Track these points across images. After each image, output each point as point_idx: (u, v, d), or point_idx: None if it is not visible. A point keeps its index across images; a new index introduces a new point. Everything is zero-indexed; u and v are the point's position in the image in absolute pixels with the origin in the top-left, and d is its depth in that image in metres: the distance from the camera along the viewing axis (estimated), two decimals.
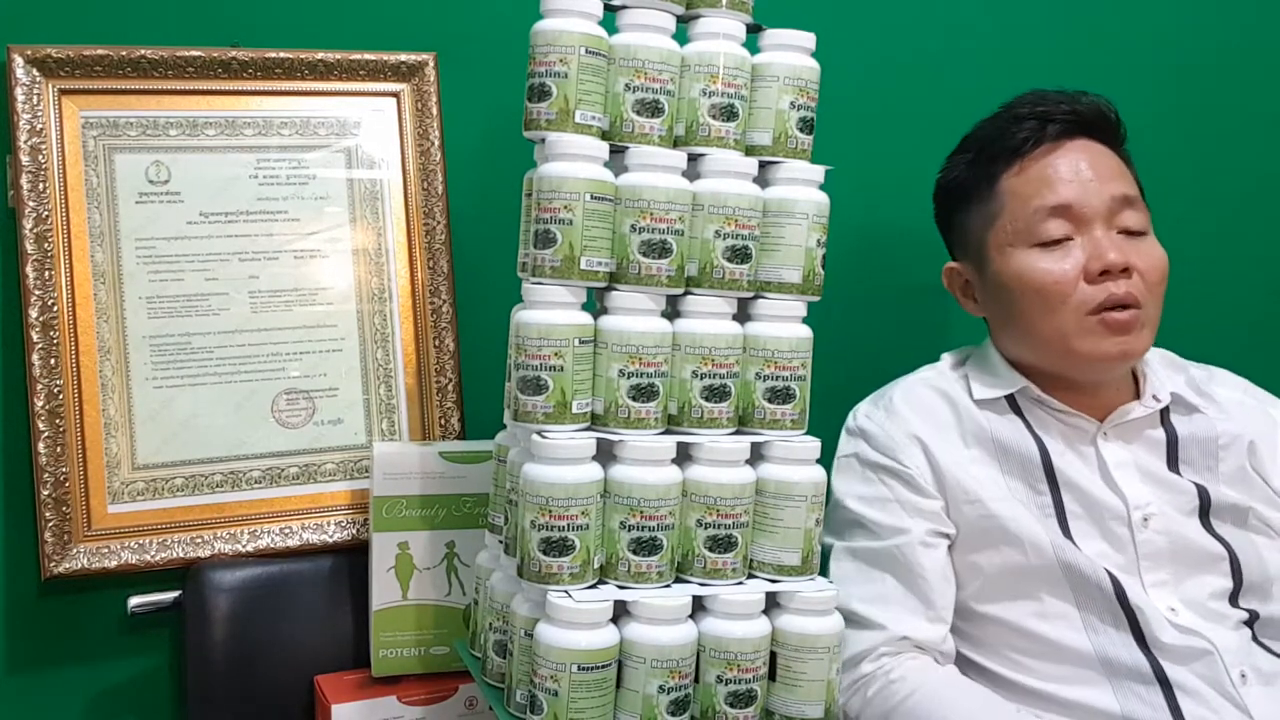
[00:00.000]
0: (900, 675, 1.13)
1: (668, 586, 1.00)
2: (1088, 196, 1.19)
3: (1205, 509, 1.21)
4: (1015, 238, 1.21)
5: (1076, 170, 1.20)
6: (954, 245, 1.32)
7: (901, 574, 1.17)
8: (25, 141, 1.22)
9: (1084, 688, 1.13)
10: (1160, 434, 1.24)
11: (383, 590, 1.23)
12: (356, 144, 1.35)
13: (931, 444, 1.21)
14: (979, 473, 1.20)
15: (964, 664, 1.19)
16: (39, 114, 1.23)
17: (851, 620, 1.16)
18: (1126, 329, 1.18)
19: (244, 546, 1.27)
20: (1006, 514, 1.17)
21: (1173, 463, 1.23)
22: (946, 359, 1.32)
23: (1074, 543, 1.17)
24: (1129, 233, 1.20)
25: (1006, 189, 1.22)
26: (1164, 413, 1.25)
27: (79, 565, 1.23)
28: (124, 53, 1.26)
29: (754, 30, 1.07)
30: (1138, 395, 1.25)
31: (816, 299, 1.06)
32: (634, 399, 1.00)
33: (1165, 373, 1.28)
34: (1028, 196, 1.20)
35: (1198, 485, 1.21)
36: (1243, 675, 1.13)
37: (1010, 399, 1.24)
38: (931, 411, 1.24)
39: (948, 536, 1.19)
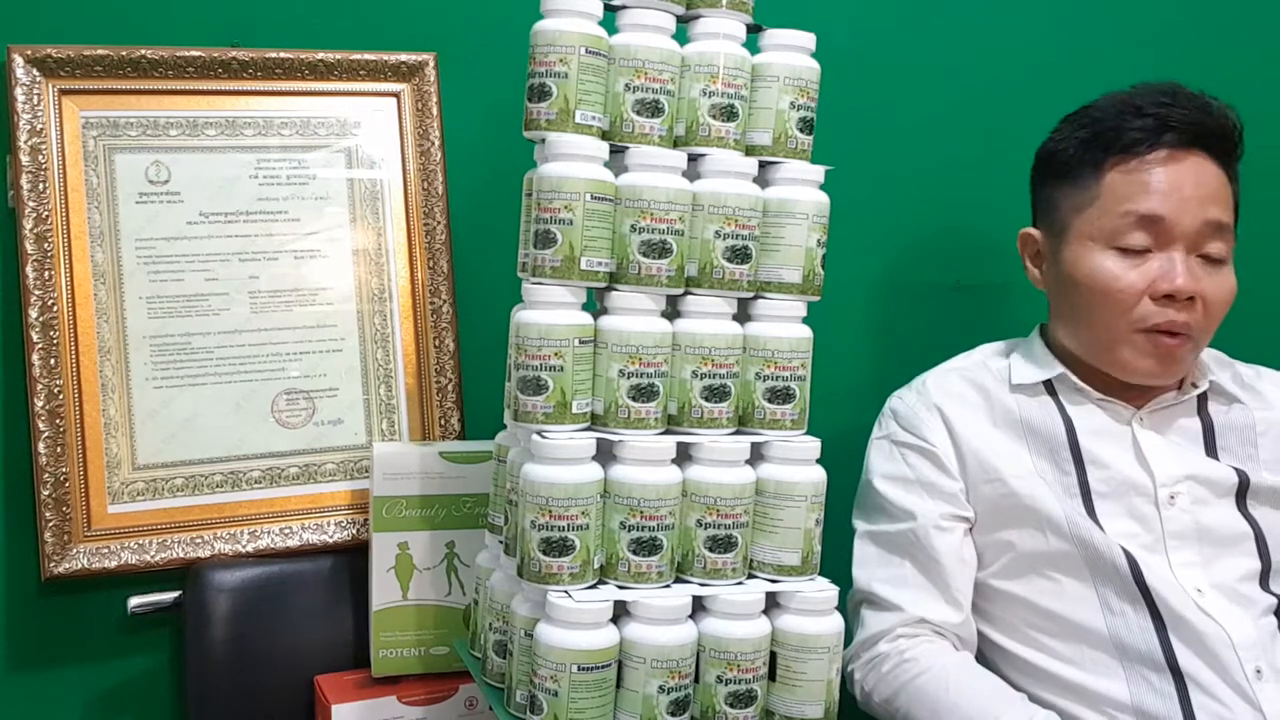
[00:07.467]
0: (914, 655, 1.15)
1: (668, 586, 1.00)
2: (1180, 216, 1.17)
3: (1243, 489, 1.21)
4: (1097, 234, 1.20)
5: (1179, 185, 1.18)
6: (1039, 213, 1.30)
7: (917, 558, 1.20)
8: (25, 141, 1.22)
9: (1097, 673, 1.15)
10: (1196, 422, 1.25)
11: (383, 590, 1.23)
12: (356, 144, 1.35)
13: (955, 419, 1.23)
14: (1003, 450, 1.21)
15: (982, 641, 1.22)
16: (39, 114, 1.23)
17: (872, 602, 1.20)
18: (1171, 354, 1.19)
19: (244, 547, 1.27)
20: (1025, 491, 1.19)
21: (1211, 449, 1.24)
22: (987, 348, 1.32)
23: (1097, 522, 1.18)
24: (1208, 259, 1.19)
25: (1107, 183, 1.20)
26: (1202, 401, 1.26)
27: (79, 565, 1.23)
28: (124, 53, 1.26)
29: (754, 30, 1.07)
30: (1178, 387, 1.26)
31: (816, 299, 1.06)
32: (634, 399, 1.00)
33: (1210, 366, 1.28)
34: (1123, 197, 1.19)
35: (1238, 470, 1.22)
36: (1258, 671, 1.13)
37: (1048, 384, 1.25)
38: (961, 394, 1.26)
39: (966, 520, 1.21)
